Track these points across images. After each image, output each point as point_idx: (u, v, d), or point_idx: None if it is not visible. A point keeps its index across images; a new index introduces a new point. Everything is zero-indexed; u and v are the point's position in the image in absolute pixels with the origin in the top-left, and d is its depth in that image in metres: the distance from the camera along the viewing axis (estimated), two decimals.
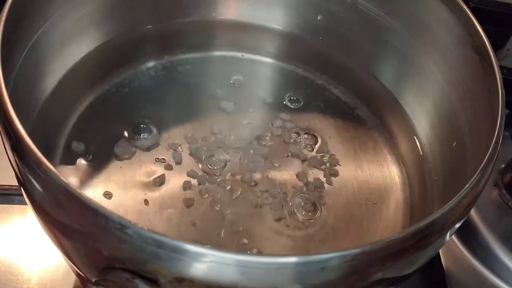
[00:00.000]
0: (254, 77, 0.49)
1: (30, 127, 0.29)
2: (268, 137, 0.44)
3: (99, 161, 0.40)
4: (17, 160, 0.28)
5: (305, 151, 0.44)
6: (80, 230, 0.27)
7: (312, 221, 0.40)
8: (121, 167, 0.40)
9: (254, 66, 0.50)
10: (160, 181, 0.40)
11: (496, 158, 0.31)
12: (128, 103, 0.45)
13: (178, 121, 0.44)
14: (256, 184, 0.41)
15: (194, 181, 0.41)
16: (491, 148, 0.31)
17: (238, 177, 0.41)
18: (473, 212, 0.47)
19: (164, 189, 0.40)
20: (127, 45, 0.47)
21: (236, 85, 0.48)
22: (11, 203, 0.44)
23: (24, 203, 0.32)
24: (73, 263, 0.31)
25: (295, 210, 0.40)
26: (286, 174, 0.42)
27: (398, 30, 0.45)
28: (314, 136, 0.45)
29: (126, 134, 0.42)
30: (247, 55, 0.50)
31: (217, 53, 0.50)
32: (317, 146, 0.45)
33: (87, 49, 0.44)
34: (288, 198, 0.41)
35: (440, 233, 0.28)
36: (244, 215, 0.39)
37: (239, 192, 0.40)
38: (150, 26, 0.48)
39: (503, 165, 0.50)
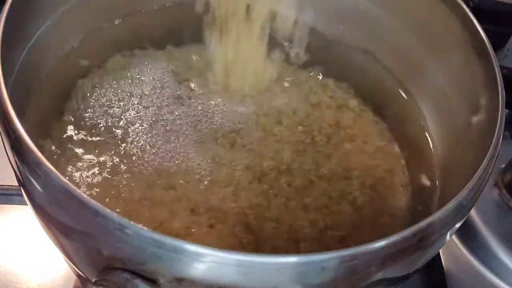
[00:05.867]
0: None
1: (29, 127, 0.29)
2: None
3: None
4: (17, 160, 0.28)
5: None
6: (80, 230, 0.27)
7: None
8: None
9: None
10: None
11: (496, 158, 0.31)
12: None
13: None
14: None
15: None
16: (491, 148, 0.31)
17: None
18: (473, 212, 0.47)
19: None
20: (127, 44, 0.47)
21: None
22: (11, 203, 0.44)
23: (24, 203, 0.32)
24: (73, 263, 0.31)
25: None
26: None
27: (398, 30, 0.45)
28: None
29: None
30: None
31: None
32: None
33: (87, 49, 0.44)
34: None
35: (440, 233, 0.28)
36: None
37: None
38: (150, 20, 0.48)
39: (503, 165, 0.50)
